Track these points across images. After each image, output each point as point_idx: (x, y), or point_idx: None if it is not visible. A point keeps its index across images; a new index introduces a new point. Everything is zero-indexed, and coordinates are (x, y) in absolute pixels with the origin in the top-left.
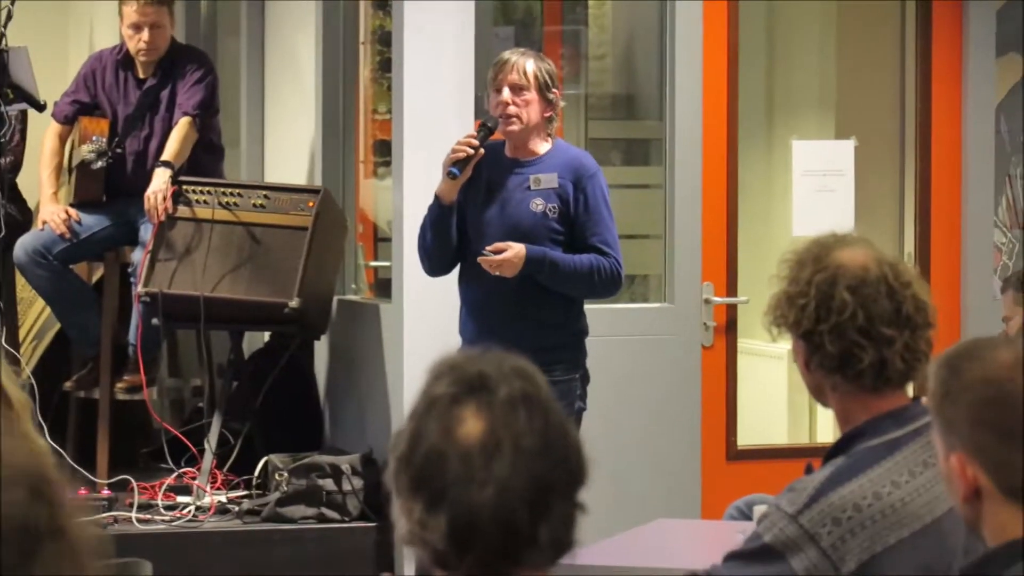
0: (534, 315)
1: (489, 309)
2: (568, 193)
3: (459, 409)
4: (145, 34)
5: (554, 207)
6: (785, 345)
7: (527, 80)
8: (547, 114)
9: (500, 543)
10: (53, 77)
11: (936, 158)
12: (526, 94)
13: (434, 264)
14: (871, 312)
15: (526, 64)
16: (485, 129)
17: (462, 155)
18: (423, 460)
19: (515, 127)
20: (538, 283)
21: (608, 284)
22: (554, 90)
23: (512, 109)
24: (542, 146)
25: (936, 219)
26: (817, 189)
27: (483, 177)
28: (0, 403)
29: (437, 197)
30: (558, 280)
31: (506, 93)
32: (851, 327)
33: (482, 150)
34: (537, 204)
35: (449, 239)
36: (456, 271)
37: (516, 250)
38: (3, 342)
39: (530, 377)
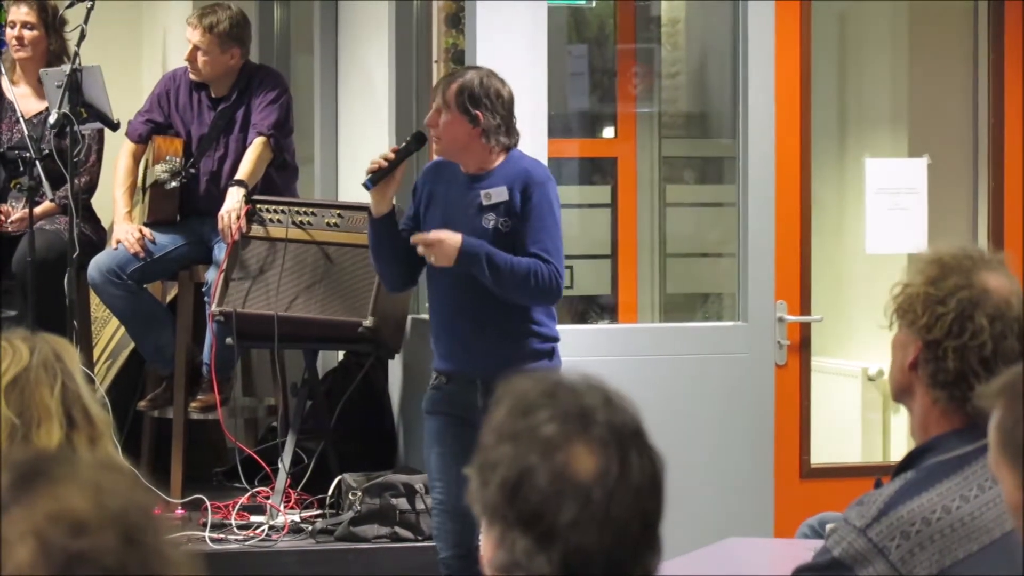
0: (496, 326)
1: (455, 327)
2: (516, 203)
3: (570, 447)
4: (193, 54)
5: (506, 220)
6: (859, 363)
7: (444, 101)
8: (474, 131)
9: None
10: (126, 96)
11: (1009, 176)
12: (444, 114)
13: (384, 278)
14: (999, 347)
15: (449, 85)
16: (410, 140)
17: (374, 167)
18: (535, 498)
19: (437, 147)
20: (498, 295)
21: (545, 291)
22: (476, 111)
23: (434, 131)
24: (495, 160)
25: (1009, 237)
26: (890, 207)
27: (440, 196)
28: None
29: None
30: (494, 276)
31: (432, 115)
32: (976, 354)
33: (405, 164)
34: (488, 220)
35: (388, 252)
36: None
37: (450, 236)
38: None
39: (629, 408)
